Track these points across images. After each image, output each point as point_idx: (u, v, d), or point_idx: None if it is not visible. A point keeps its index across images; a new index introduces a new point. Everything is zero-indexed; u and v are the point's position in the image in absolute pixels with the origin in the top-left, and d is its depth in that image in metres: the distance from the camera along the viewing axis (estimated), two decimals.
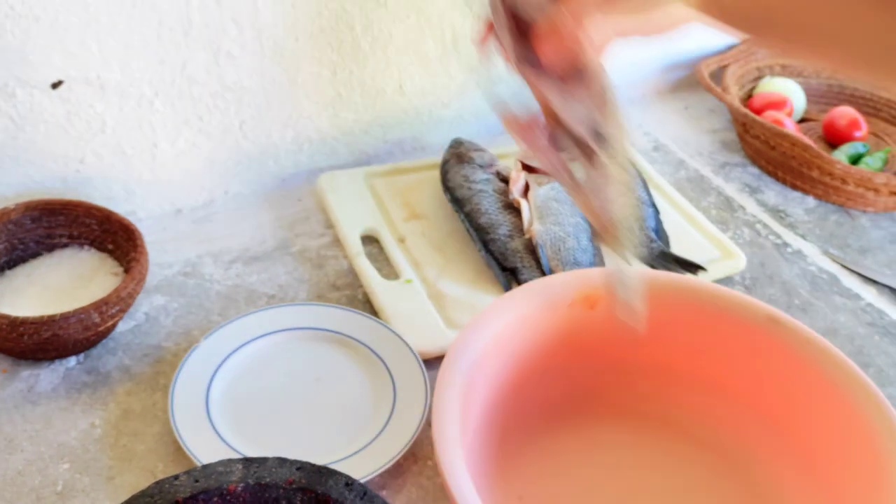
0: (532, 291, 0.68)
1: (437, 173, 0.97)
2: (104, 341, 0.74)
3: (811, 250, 0.95)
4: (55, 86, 0.75)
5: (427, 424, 0.67)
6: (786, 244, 0.96)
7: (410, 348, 0.74)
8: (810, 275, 0.92)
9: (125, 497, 0.62)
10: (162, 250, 0.84)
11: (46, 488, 0.62)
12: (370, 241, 0.88)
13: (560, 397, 0.71)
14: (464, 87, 1.02)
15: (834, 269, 0.93)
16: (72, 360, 0.72)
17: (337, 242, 0.88)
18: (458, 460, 0.53)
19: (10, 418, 0.67)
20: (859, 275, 0.92)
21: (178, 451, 0.66)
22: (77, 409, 0.68)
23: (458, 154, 0.95)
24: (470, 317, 0.66)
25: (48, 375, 0.71)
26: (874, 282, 0.91)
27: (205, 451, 0.64)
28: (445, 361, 0.59)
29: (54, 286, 0.75)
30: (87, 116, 0.79)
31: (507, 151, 1.00)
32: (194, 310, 0.79)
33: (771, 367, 0.67)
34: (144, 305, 0.78)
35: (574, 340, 0.69)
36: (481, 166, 0.94)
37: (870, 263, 0.94)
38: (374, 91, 0.96)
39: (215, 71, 0.84)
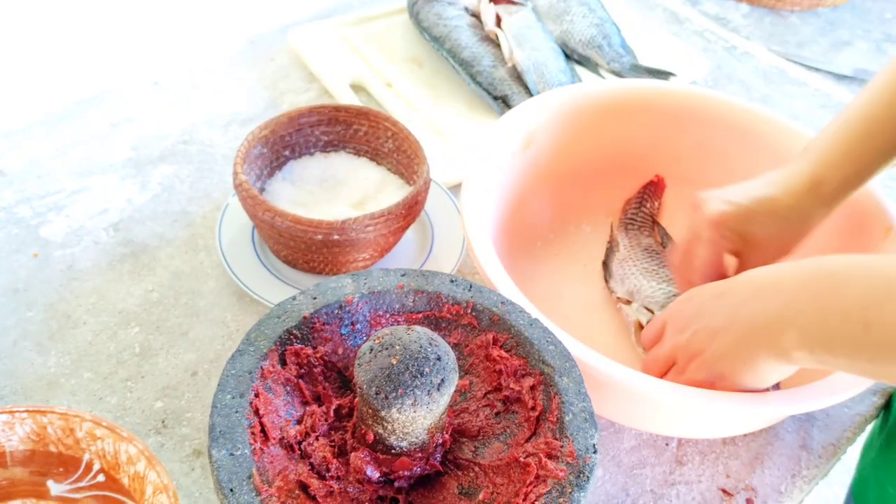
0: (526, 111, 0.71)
1: (405, 17, 0.97)
2: (130, 213, 0.73)
3: (757, 49, 1.03)
4: None
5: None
6: (734, 47, 1.03)
7: (436, 182, 0.76)
8: (762, 71, 0.99)
9: (205, 348, 0.64)
10: (156, 123, 0.82)
11: (125, 352, 0.63)
12: (357, 89, 0.89)
13: (557, 204, 0.75)
14: None
15: (780, 63, 1.01)
16: (102, 234, 0.71)
17: (324, 95, 0.88)
18: (487, 247, 0.59)
19: (60, 297, 0.66)
20: (803, 65, 1.01)
21: (240, 300, 0.67)
22: (126, 279, 0.68)
23: None
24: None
25: (82, 253, 0.70)
26: (816, 69, 1.00)
27: (272, 294, 0.65)
28: (464, 184, 0.63)
29: None
30: None
31: None
32: (206, 173, 0.78)
33: (743, 153, 0.73)
34: (156, 176, 0.77)
35: (571, 150, 0.74)
36: (450, 3, 0.94)
37: (808, 55, 1.03)
38: None
39: None
